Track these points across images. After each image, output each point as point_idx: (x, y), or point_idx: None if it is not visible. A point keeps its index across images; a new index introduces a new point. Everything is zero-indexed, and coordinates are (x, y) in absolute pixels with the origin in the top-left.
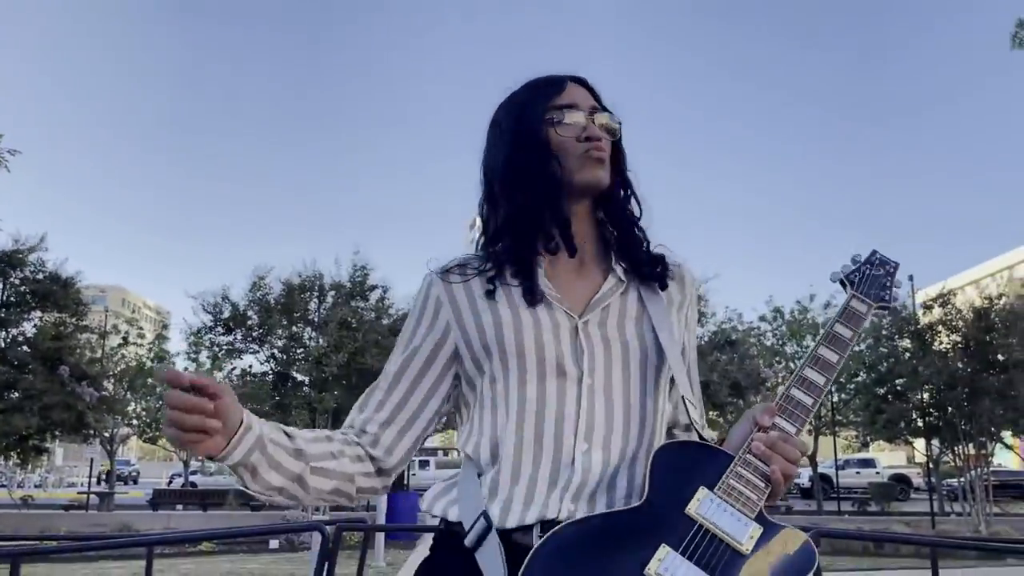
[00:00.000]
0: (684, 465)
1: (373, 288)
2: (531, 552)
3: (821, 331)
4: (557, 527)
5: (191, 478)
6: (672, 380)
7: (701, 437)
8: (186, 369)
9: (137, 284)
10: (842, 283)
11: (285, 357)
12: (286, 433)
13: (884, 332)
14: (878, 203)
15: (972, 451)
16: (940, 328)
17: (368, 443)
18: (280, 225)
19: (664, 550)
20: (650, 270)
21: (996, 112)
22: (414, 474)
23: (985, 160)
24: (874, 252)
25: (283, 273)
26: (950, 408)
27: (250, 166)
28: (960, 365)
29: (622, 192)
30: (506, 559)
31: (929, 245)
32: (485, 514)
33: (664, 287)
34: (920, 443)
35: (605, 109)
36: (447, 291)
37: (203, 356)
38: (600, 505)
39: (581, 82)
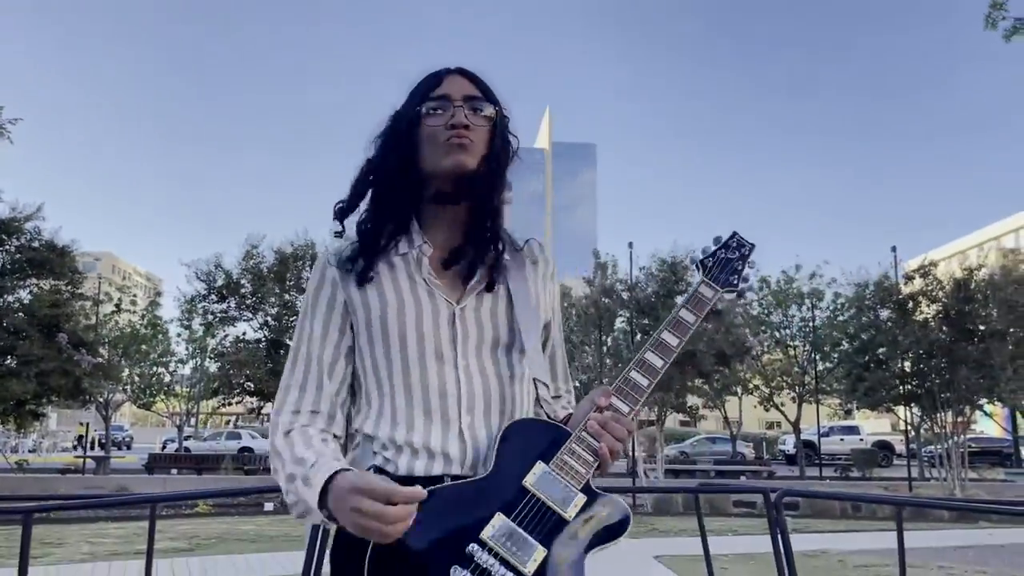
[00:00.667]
0: (527, 441)
1: None
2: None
3: (806, 302)
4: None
5: (185, 443)
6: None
7: (548, 415)
8: (178, 335)
9: (127, 251)
10: (697, 267)
11: (278, 324)
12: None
13: (867, 302)
14: (867, 179)
15: (950, 419)
16: (921, 298)
17: (330, 431)
18: (273, 196)
19: (499, 517)
20: (494, 253)
21: (985, 92)
22: None
23: (972, 138)
24: (733, 234)
25: (276, 242)
26: (930, 376)
27: (243, 137)
28: (939, 334)
29: (488, 177)
30: None
31: (915, 217)
32: (377, 467)
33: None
34: (903, 410)
35: (484, 98)
36: (341, 274)
37: (195, 323)
38: (481, 473)
39: (463, 73)
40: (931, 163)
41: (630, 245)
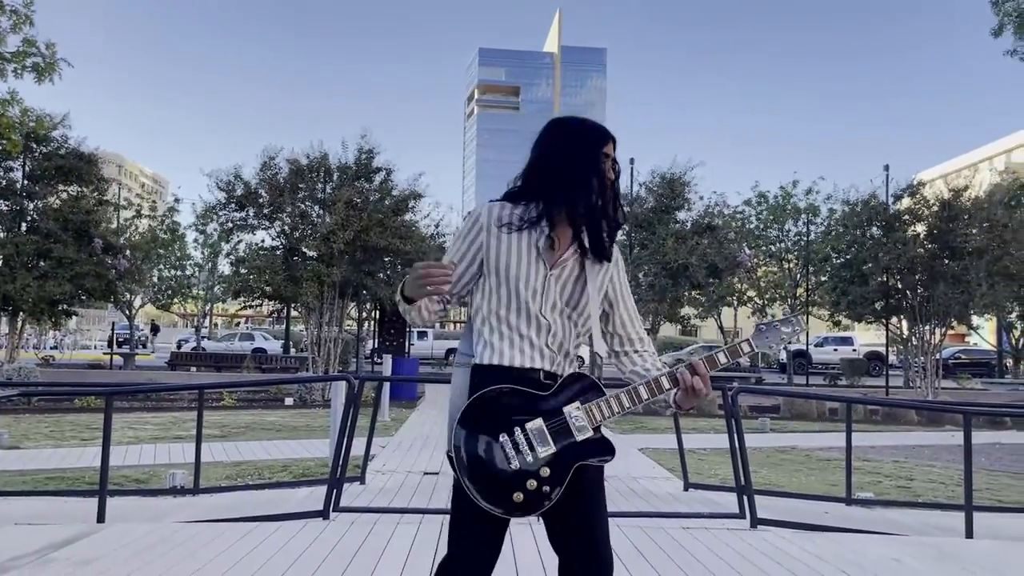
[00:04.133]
0: (577, 386)
1: (378, 170)
2: (488, 390)
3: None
4: (507, 387)
5: (203, 343)
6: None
7: (619, 366)
8: (195, 241)
9: (132, 151)
10: (756, 328)
11: (296, 234)
12: None
13: (856, 219)
14: (862, 99)
15: (929, 331)
16: (907, 217)
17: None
18: (286, 105)
19: (539, 419)
20: (599, 253)
21: (973, 22)
22: (413, 344)
23: (965, 60)
24: (796, 316)
25: (292, 152)
26: (910, 291)
27: (257, 49)
28: (920, 251)
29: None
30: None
31: (907, 137)
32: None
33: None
34: (894, 323)
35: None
36: (487, 222)
37: (210, 228)
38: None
39: (614, 140)
40: (932, 83)
41: (631, 161)
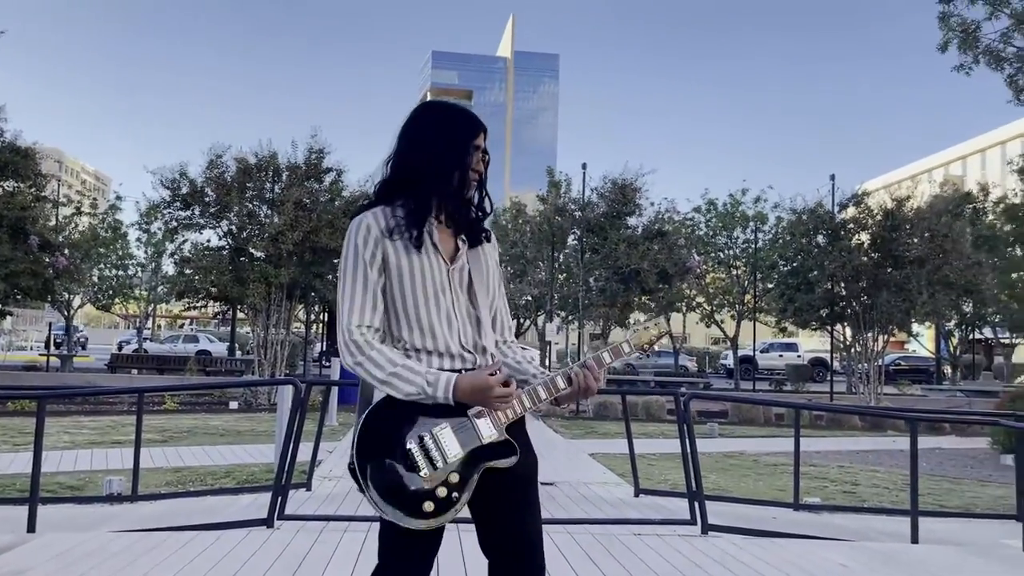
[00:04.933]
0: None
1: (328, 171)
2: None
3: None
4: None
5: (145, 345)
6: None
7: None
8: (138, 239)
9: (74, 147)
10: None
11: (243, 234)
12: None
13: (803, 228)
14: (811, 109)
15: (872, 338)
16: (852, 226)
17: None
18: (234, 104)
19: (446, 423)
20: (476, 239)
21: (919, 36)
22: None
23: (910, 73)
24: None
25: (240, 151)
26: (854, 299)
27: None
28: (864, 260)
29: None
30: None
31: (853, 148)
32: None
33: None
34: (839, 329)
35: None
36: (379, 234)
37: (154, 227)
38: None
39: (485, 130)
40: (878, 95)
41: (584, 166)
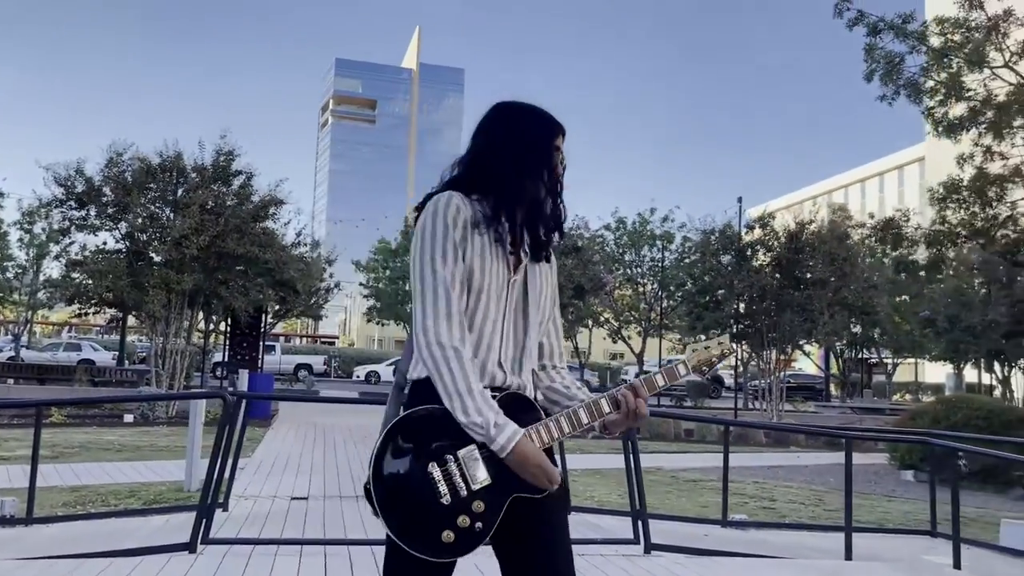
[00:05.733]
0: (513, 408)
1: (238, 174)
2: (414, 410)
3: (658, 244)
4: (436, 407)
5: (23, 353)
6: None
7: (538, 383)
8: (20, 240)
9: None
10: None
11: (144, 237)
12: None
13: (712, 248)
14: (720, 128)
15: (775, 356)
16: (759, 247)
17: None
18: (135, 103)
19: (472, 447)
20: (541, 254)
21: (824, 61)
22: (263, 358)
23: (808, 95)
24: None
25: (142, 151)
26: (760, 318)
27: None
28: (771, 280)
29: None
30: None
31: (760, 168)
32: None
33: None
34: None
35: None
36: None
37: (37, 227)
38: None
39: (564, 132)
40: (785, 119)
41: None
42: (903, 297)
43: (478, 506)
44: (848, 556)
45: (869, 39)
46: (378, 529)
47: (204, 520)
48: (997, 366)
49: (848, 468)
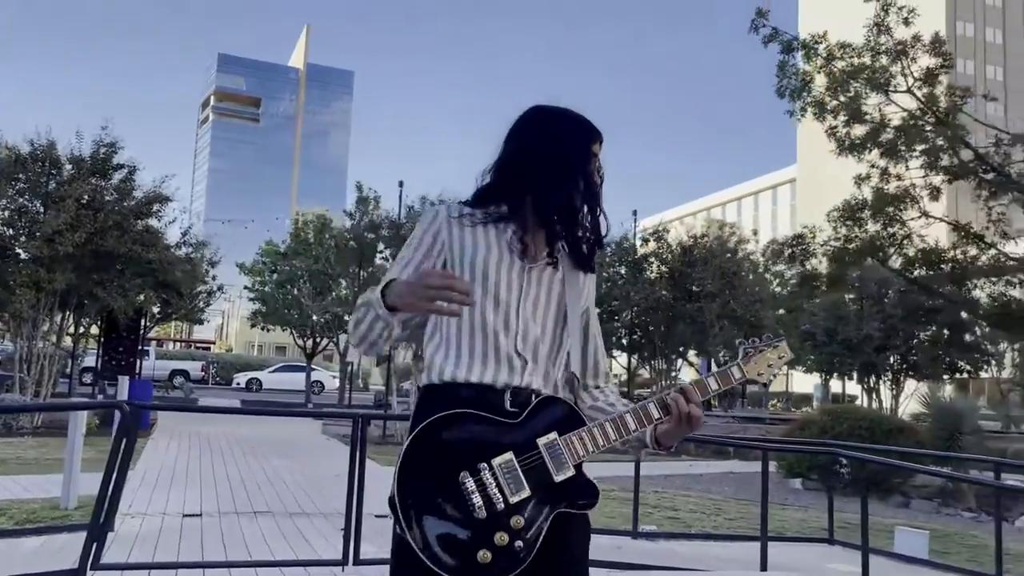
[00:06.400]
0: (553, 413)
1: (119, 167)
2: (448, 413)
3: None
4: (466, 411)
5: None
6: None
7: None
8: None
9: None
10: (740, 350)
11: (10, 231)
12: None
13: (607, 259)
14: (615, 139)
15: (664, 366)
16: (652, 259)
17: None
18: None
19: (510, 455)
20: (581, 263)
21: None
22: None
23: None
24: (779, 335)
25: (10, 138)
26: (651, 328)
27: None
28: (664, 293)
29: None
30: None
31: (656, 180)
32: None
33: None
34: (623, 356)
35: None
36: (446, 216)
37: None
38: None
39: (601, 138)
40: (685, 131)
41: (400, 184)
42: (781, 311)
43: (517, 522)
44: (764, 567)
45: (782, 56)
46: (285, 549)
47: (96, 543)
48: (868, 377)
49: (764, 480)
